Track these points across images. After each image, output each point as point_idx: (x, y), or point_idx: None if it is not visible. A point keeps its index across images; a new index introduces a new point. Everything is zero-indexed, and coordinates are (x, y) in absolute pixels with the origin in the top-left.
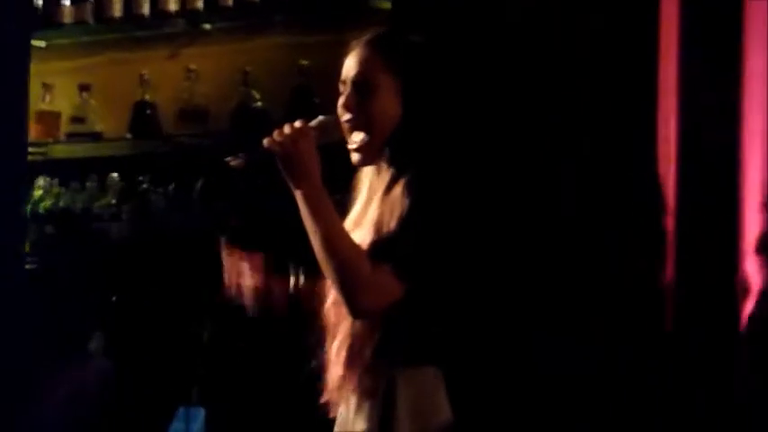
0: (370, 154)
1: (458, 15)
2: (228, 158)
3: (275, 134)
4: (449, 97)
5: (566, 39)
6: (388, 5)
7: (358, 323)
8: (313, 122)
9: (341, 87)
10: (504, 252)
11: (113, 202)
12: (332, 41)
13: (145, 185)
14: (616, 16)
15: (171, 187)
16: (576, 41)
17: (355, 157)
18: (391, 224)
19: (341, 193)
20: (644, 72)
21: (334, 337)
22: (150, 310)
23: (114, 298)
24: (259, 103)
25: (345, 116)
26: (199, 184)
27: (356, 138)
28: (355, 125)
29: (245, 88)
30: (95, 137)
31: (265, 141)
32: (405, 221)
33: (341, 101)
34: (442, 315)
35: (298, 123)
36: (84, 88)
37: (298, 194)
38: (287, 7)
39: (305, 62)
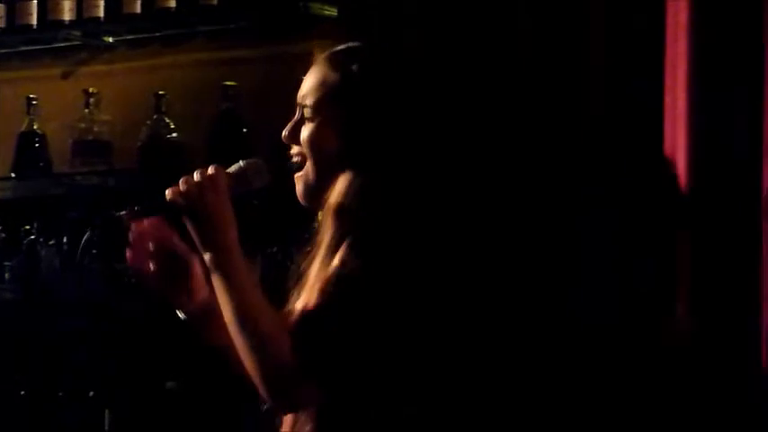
0: (308, 194)
1: (412, 23)
2: (122, 213)
3: (180, 183)
4: (415, 144)
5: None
6: (333, 12)
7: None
8: (232, 168)
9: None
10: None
11: None
12: (265, 57)
13: (33, 236)
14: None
15: (65, 239)
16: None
17: (298, 188)
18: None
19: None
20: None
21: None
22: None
23: None
24: (175, 134)
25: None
26: (84, 239)
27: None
28: (298, 159)
29: (158, 116)
30: None
31: (168, 192)
32: (323, 304)
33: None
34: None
35: (211, 170)
36: None
37: (206, 258)
38: (210, 15)
39: (231, 83)
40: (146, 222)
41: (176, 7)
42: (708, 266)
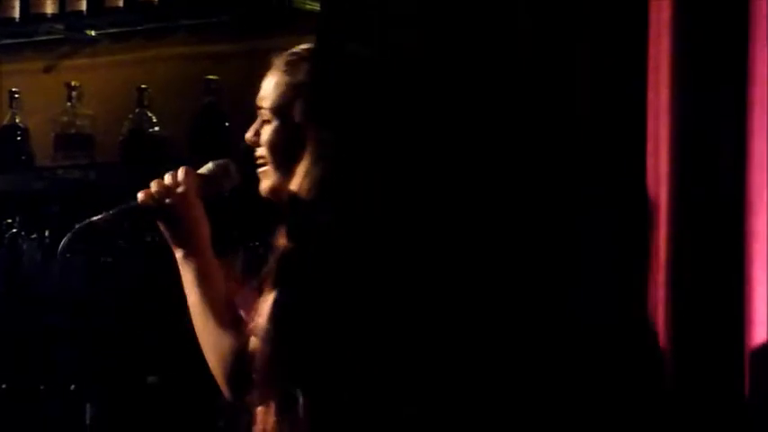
0: (271, 191)
1: (412, 23)
2: (96, 217)
3: (152, 185)
4: (370, 139)
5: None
6: (316, 6)
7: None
8: (202, 169)
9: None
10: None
11: None
12: (247, 51)
13: (14, 230)
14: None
15: (47, 233)
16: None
17: (261, 185)
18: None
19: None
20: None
21: None
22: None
23: None
24: (157, 128)
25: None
26: (62, 244)
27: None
28: (263, 160)
29: (141, 109)
30: None
31: (139, 195)
32: (272, 318)
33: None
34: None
35: (180, 172)
36: None
37: (177, 255)
38: (193, 9)
39: (214, 77)
40: None
41: (159, 1)
42: (690, 266)
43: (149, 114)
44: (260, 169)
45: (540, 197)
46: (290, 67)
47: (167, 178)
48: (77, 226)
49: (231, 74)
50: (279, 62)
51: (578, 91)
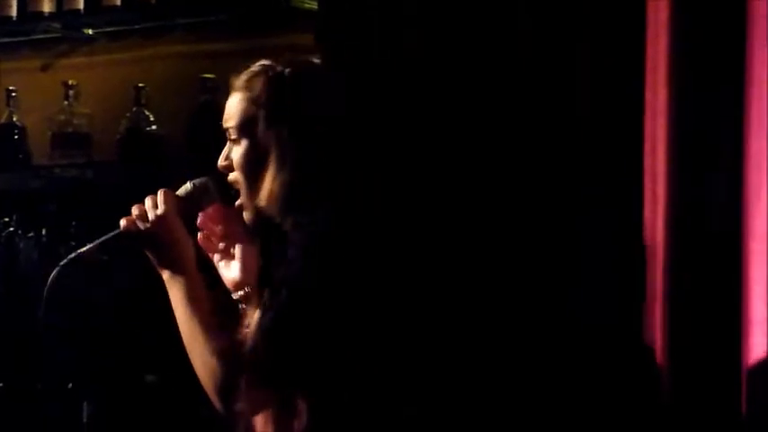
0: (254, 219)
1: (412, 23)
2: (82, 250)
3: (133, 211)
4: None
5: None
6: (314, 5)
7: None
8: (180, 190)
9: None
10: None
11: None
12: (245, 50)
13: (11, 229)
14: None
15: (44, 232)
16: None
17: (245, 216)
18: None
19: None
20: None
21: None
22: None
23: None
24: (154, 127)
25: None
26: (51, 278)
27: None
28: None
29: (138, 108)
30: None
31: (122, 222)
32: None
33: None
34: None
35: (159, 195)
36: None
37: (163, 275)
38: (190, 8)
39: (211, 75)
40: (209, 209)
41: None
42: (688, 266)
43: (146, 113)
44: (237, 203)
45: (540, 197)
46: (249, 83)
47: (147, 202)
48: (64, 260)
49: (228, 72)
50: (238, 82)
51: (578, 91)
